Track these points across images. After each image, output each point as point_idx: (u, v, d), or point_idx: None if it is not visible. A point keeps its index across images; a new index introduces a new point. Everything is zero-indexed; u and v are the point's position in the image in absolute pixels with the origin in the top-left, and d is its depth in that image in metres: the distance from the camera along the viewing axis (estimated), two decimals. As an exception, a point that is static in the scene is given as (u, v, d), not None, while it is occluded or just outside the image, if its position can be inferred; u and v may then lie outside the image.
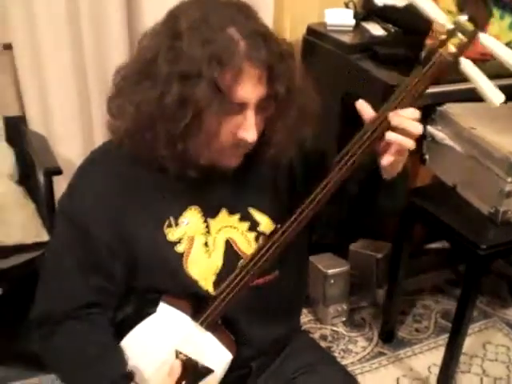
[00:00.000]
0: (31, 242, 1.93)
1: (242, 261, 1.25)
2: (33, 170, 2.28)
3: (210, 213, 1.24)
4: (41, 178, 2.20)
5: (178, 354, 1.20)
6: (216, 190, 1.24)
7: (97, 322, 1.23)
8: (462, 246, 1.94)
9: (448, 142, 2.05)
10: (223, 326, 1.25)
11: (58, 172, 1.94)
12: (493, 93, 1.13)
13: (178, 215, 1.22)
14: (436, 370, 2.18)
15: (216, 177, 1.21)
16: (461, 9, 1.10)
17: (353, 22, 2.40)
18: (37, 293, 1.27)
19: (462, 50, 1.09)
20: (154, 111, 1.07)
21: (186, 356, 1.20)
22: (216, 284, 1.24)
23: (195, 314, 1.21)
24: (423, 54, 1.10)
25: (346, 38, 2.33)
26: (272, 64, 1.08)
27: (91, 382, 1.18)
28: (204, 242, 1.24)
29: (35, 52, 2.18)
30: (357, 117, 2.34)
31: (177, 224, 1.22)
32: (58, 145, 2.31)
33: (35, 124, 2.27)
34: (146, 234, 1.20)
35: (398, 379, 2.23)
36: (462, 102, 2.07)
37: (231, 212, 1.26)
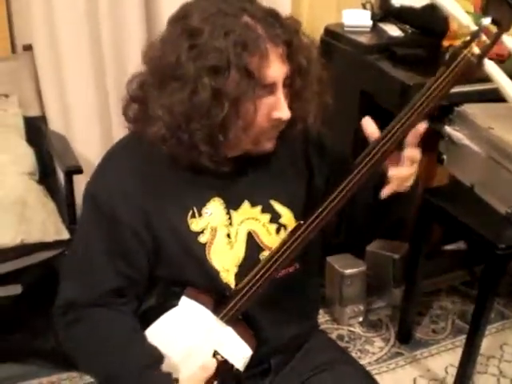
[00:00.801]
0: (52, 240, 1.95)
1: (264, 255, 1.26)
2: (53, 170, 2.31)
3: (232, 205, 1.25)
4: (61, 177, 2.23)
5: (215, 353, 1.20)
6: (238, 183, 1.25)
7: (123, 311, 1.24)
8: (479, 245, 1.94)
9: (466, 142, 2.05)
10: (243, 321, 1.25)
11: (79, 171, 1.96)
12: None
13: (201, 206, 1.23)
14: (453, 371, 2.17)
15: (238, 170, 1.23)
16: (485, 11, 1.11)
17: (370, 22, 2.41)
18: (62, 280, 1.28)
19: (485, 51, 1.10)
20: (188, 110, 1.09)
21: (223, 358, 1.20)
22: (238, 276, 1.25)
23: (217, 309, 1.21)
24: (447, 55, 1.12)
25: (364, 39, 2.35)
26: (290, 39, 1.12)
27: (119, 367, 1.18)
28: (226, 233, 1.25)
29: (55, 52, 2.21)
30: (375, 116, 2.34)
31: (200, 214, 1.22)
32: (78, 144, 2.34)
33: (55, 124, 2.31)
34: (169, 223, 1.21)
35: (415, 379, 2.22)
36: (480, 102, 2.08)
37: (253, 204, 1.27)
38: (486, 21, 1.10)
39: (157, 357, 1.19)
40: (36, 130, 2.26)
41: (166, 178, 1.20)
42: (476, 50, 1.09)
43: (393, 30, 2.38)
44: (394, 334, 2.44)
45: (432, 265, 2.58)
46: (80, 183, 2.15)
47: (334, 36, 2.42)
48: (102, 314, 1.22)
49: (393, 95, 2.11)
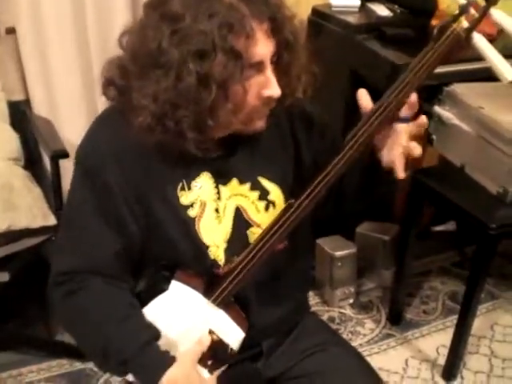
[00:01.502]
0: (38, 226, 1.92)
1: (252, 231, 1.26)
2: (38, 154, 2.28)
3: (221, 180, 1.25)
4: (47, 162, 2.19)
5: (211, 332, 1.20)
6: (227, 160, 1.24)
7: (122, 287, 1.22)
8: (471, 225, 1.94)
9: (456, 121, 2.03)
10: (235, 303, 1.24)
11: (65, 155, 1.93)
12: (505, 68, 1.13)
13: (190, 179, 1.22)
14: (444, 351, 2.19)
15: (227, 149, 1.22)
16: None
17: (358, 2, 2.39)
18: (57, 250, 1.27)
19: (474, 25, 1.10)
20: (174, 98, 1.07)
21: (220, 338, 1.20)
22: (227, 252, 1.24)
23: (208, 291, 1.21)
24: (436, 29, 1.11)
25: (352, 19, 2.32)
26: (274, 15, 1.10)
27: (118, 341, 1.16)
28: (215, 207, 1.24)
29: (39, 36, 2.17)
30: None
31: (189, 188, 1.21)
32: (63, 128, 2.30)
33: (40, 108, 2.27)
34: (159, 196, 1.19)
35: (406, 360, 2.23)
36: (469, 81, 2.06)
37: (241, 182, 1.27)
38: None
39: (155, 333, 1.18)
40: (20, 115, 2.23)
41: (156, 152, 1.17)
42: (465, 23, 1.09)
43: (381, 10, 2.35)
44: (384, 315, 2.44)
45: (422, 246, 2.58)
46: (66, 168, 2.13)
47: (321, 16, 2.40)
48: (101, 286, 1.20)
49: (382, 75, 2.10)
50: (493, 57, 1.13)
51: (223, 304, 1.20)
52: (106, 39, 2.23)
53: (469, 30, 1.10)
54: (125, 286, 1.23)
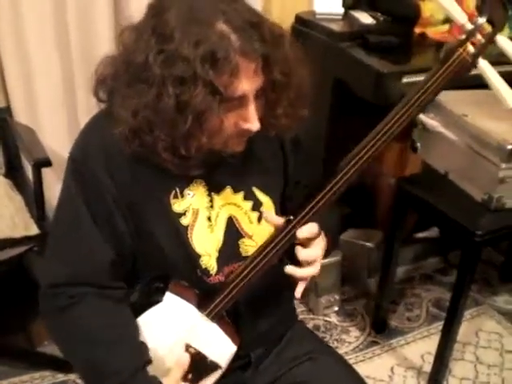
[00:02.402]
0: (20, 236, 1.88)
1: (243, 242, 1.26)
2: (18, 162, 2.24)
3: (214, 188, 1.24)
4: (28, 170, 2.16)
5: (187, 347, 1.18)
6: (220, 169, 1.23)
7: (117, 297, 1.20)
8: (456, 232, 1.94)
9: (440, 129, 2.04)
10: (226, 316, 1.23)
11: (48, 163, 1.89)
12: (508, 94, 1.15)
13: (183, 187, 1.20)
14: (429, 358, 2.19)
15: (218, 161, 1.20)
16: (480, 11, 1.13)
17: (342, 10, 2.39)
18: (48, 258, 1.23)
19: (480, 50, 1.12)
20: (152, 116, 1.05)
21: (196, 350, 1.18)
22: (219, 261, 1.23)
23: (201, 305, 1.19)
24: (442, 52, 1.12)
25: (336, 26, 2.32)
26: (267, 53, 1.06)
27: (109, 363, 1.14)
28: (207, 216, 1.23)
29: (20, 41, 2.12)
30: (348, 104, 2.34)
31: (182, 195, 1.20)
32: (44, 136, 2.25)
33: (20, 115, 2.22)
34: (152, 203, 1.18)
35: (392, 368, 2.23)
36: (453, 89, 2.08)
37: (235, 190, 1.26)
38: (481, 20, 1.12)
39: (147, 357, 1.16)
40: (0, 122, 2.18)
41: (149, 160, 1.15)
42: (471, 48, 1.11)
43: (364, 18, 2.35)
44: (369, 323, 2.44)
45: (405, 253, 2.59)
46: (48, 176, 2.10)
47: (305, 24, 2.39)
48: (95, 301, 1.18)
49: (367, 83, 2.10)
50: (497, 83, 1.15)
51: (216, 317, 1.19)
52: (88, 45, 2.19)
53: (475, 56, 1.12)
54: (118, 295, 1.21)
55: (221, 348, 1.21)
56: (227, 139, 1.13)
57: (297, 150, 1.36)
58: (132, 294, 1.23)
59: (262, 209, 1.28)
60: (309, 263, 1.19)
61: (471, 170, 1.95)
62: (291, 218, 1.15)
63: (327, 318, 2.45)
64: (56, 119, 2.29)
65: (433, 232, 2.93)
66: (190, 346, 1.18)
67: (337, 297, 2.47)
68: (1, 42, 2.11)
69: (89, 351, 1.16)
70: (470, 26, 1.12)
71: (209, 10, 1.04)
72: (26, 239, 1.89)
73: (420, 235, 2.90)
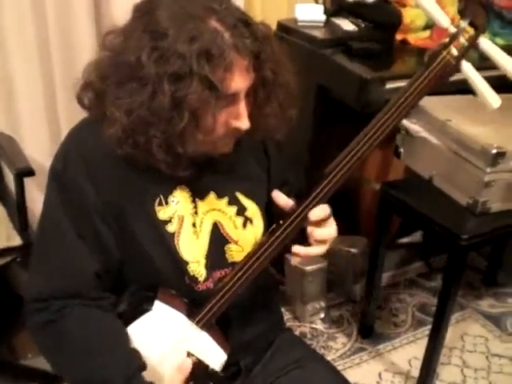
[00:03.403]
0: (3, 247, 1.85)
1: (229, 247, 1.25)
2: (0, 172, 2.20)
3: (197, 194, 1.23)
4: (10, 180, 2.12)
5: (189, 354, 1.17)
6: (203, 175, 1.22)
7: (104, 307, 1.18)
8: (442, 237, 1.94)
9: (424, 134, 2.06)
10: (216, 325, 1.22)
11: (31, 173, 1.86)
12: (491, 96, 1.17)
13: (167, 194, 1.19)
14: (416, 363, 2.19)
15: (204, 164, 1.20)
16: (463, 14, 1.15)
17: (323, 17, 2.39)
18: (32, 271, 1.21)
19: (463, 53, 1.13)
20: (147, 115, 1.04)
21: (198, 359, 1.17)
22: (207, 268, 1.22)
23: (190, 313, 1.18)
24: (426, 56, 1.13)
25: (318, 33, 2.32)
26: (258, 51, 1.07)
27: (102, 374, 1.12)
28: (192, 222, 1.22)
29: (0, 50, 2.10)
30: (331, 110, 2.34)
31: (167, 202, 1.19)
32: (25, 145, 2.22)
33: (0, 124, 2.18)
34: (136, 211, 1.16)
35: (380, 374, 2.23)
36: (436, 95, 2.09)
37: (219, 196, 1.25)
38: (464, 23, 1.13)
39: (140, 364, 1.14)
40: (-21, 131, 2.15)
41: (131, 167, 1.14)
42: (454, 51, 1.12)
43: (346, 25, 2.36)
44: (355, 329, 2.44)
45: (389, 258, 2.59)
46: (29, 186, 2.07)
47: (287, 31, 2.39)
48: (82, 313, 1.16)
49: (350, 89, 2.10)
50: (480, 85, 1.16)
51: (206, 326, 1.18)
52: (69, 54, 2.17)
53: (458, 58, 1.13)
54: (105, 305, 1.19)
55: (211, 356, 1.19)
56: (216, 139, 1.13)
57: (280, 152, 1.37)
58: (120, 304, 1.21)
59: (247, 213, 1.28)
60: (321, 243, 1.17)
61: (456, 174, 1.97)
62: (280, 222, 1.14)
63: (313, 325, 2.44)
64: (37, 128, 2.26)
65: (415, 237, 2.94)
66: (192, 355, 1.17)
67: (323, 304, 2.47)
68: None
69: (80, 362, 1.14)
70: (453, 30, 1.13)
71: (200, 8, 1.04)
72: (9, 250, 1.86)
73: (403, 240, 2.91)
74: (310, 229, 1.15)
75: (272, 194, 1.16)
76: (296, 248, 1.15)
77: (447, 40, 1.12)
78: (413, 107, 1.14)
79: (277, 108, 1.17)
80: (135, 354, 1.15)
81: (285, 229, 1.14)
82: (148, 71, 1.02)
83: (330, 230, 1.18)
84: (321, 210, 1.14)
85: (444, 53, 1.11)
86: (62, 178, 1.16)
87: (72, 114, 2.19)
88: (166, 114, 1.04)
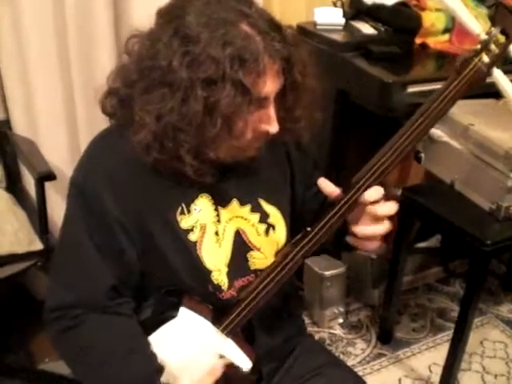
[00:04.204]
0: (24, 252, 1.85)
1: (252, 255, 1.25)
2: (17, 176, 2.20)
3: (220, 202, 1.22)
4: (28, 184, 2.12)
5: (220, 356, 1.16)
6: (226, 182, 1.21)
7: (122, 313, 1.17)
8: (465, 242, 1.92)
9: (446, 139, 2.04)
10: (241, 333, 1.21)
11: (52, 177, 1.85)
12: None
13: (189, 202, 1.18)
14: (437, 369, 2.18)
15: (227, 170, 1.19)
16: (494, 21, 1.14)
17: (343, 20, 2.37)
18: (52, 281, 1.21)
19: (495, 60, 1.13)
20: (178, 120, 1.04)
21: (229, 361, 1.16)
22: (229, 276, 1.21)
23: (216, 320, 1.17)
24: (458, 63, 1.12)
25: (337, 37, 2.31)
26: (288, 54, 1.07)
27: (120, 376, 1.12)
28: (215, 231, 1.21)
29: (20, 54, 2.09)
30: (351, 114, 2.32)
31: (189, 211, 1.18)
32: (43, 149, 2.22)
33: (19, 128, 2.18)
34: (159, 221, 1.15)
35: (400, 380, 2.21)
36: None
37: (242, 203, 1.24)
38: (495, 31, 1.12)
39: (157, 367, 1.13)
40: (0, 135, 2.15)
41: (153, 176, 1.14)
42: (486, 58, 1.11)
43: (365, 28, 2.35)
44: (374, 334, 2.43)
45: (407, 263, 2.57)
46: (49, 190, 2.06)
47: (306, 34, 2.38)
48: (100, 319, 1.16)
49: (371, 93, 2.09)
50: (510, 91, 1.18)
51: (231, 334, 1.17)
52: (89, 58, 2.16)
53: (489, 65, 1.12)
54: (124, 310, 1.19)
55: (237, 364, 1.18)
56: (245, 144, 1.12)
57: (304, 156, 1.36)
58: (143, 311, 1.21)
59: (269, 220, 1.27)
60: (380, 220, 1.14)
61: (478, 179, 1.95)
62: (308, 229, 1.12)
63: (332, 331, 2.43)
64: (55, 132, 2.25)
65: (432, 242, 2.92)
66: (223, 357, 1.16)
67: (341, 309, 2.45)
68: (1, 55, 2.08)
69: (99, 368, 1.14)
70: (484, 37, 1.13)
71: (231, 13, 1.04)
72: (30, 255, 1.85)
73: (421, 245, 2.89)
74: (369, 208, 1.11)
75: (318, 181, 1.14)
76: (361, 228, 1.12)
77: (479, 47, 1.12)
78: (445, 113, 1.13)
79: (305, 111, 1.17)
80: (151, 357, 1.14)
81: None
82: (180, 76, 1.02)
83: (391, 206, 1.14)
84: (375, 192, 1.11)
85: (476, 60, 1.10)
86: (83, 189, 1.15)
87: (90, 118, 2.20)
88: (198, 119, 1.03)
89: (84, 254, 1.15)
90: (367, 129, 2.29)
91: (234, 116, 1.04)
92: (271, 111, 1.10)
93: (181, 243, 1.17)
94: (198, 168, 1.09)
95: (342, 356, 2.29)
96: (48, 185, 1.94)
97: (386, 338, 2.38)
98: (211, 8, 1.04)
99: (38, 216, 1.91)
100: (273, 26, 1.06)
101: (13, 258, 1.83)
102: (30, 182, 2.13)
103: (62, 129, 2.26)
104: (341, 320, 2.46)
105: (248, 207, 1.25)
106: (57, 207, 2.14)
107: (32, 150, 2.04)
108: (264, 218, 1.26)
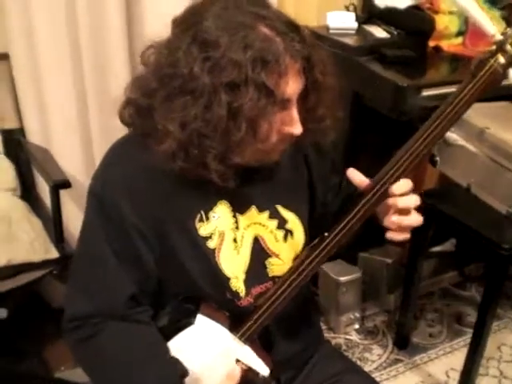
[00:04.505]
0: (40, 260, 1.84)
1: (270, 261, 1.24)
2: (31, 184, 2.20)
3: (239, 209, 1.21)
4: (43, 192, 2.12)
5: (238, 361, 1.16)
6: (244, 188, 1.20)
7: (140, 320, 1.17)
8: (482, 246, 1.91)
9: (461, 142, 2.02)
10: (258, 340, 1.21)
11: (67, 185, 1.85)
12: None
13: (208, 209, 1.18)
14: (454, 375, 2.16)
15: (244, 177, 1.18)
16: (509, 22, 1.13)
17: (355, 24, 2.37)
18: (70, 290, 1.21)
19: (511, 61, 1.11)
20: (201, 127, 1.03)
21: (248, 365, 1.16)
22: (246, 283, 1.21)
23: (233, 327, 1.17)
24: (473, 64, 1.11)
25: (350, 41, 2.30)
26: (308, 54, 1.07)
27: (144, 382, 1.12)
28: (233, 237, 1.20)
29: (33, 62, 2.10)
30: (366, 118, 2.31)
31: (207, 218, 1.17)
32: (57, 157, 2.22)
33: (33, 136, 2.19)
34: (177, 228, 1.15)
35: (417, 385, 2.20)
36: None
37: (260, 210, 1.24)
38: (511, 31, 1.11)
39: (181, 371, 1.13)
40: (14, 143, 2.15)
41: (171, 183, 1.13)
42: (501, 59, 1.10)
43: (378, 32, 2.34)
44: (391, 340, 2.41)
45: (424, 267, 2.56)
46: (63, 198, 2.06)
47: (319, 38, 2.37)
48: (119, 326, 1.15)
49: (385, 97, 2.08)
50: None
51: (248, 341, 1.17)
52: (102, 66, 2.17)
53: (506, 66, 1.11)
54: (143, 318, 1.18)
55: (256, 369, 1.19)
56: (269, 147, 1.12)
57: (322, 158, 1.35)
58: (160, 318, 1.21)
59: (287, 226, 1.26)
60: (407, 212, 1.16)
61: (495, 182, 1.93)
62: (326, 234, 1.13)
63: (348, 337, 2.42)
64: (69, 140, 2.25)
65: (447, 246, 2.90)
66: (240, 361, 1.16)
67: (357, 314, 2.44)
68: (14, 62, 2.09)
69: (122, 375, 1.13)
70: (499, 37, 1.11)
71: (248, 16, 1.03)
72: (46, 263, 1.85)
73: (435, 249, 2.87)
74: (392, 199, 1.12)
75: (347, 172, 1.14)
76: (395, 217, 1.13)
77: (494, 48, 1.10)
78: (461, 116, 1.12)
79: (327, 110, 1.16)
80: (175, 363, 1.14)
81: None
82: (202, 82, 1.01)
83: (416, 198, 1.16)
84: (404, 184, 1.12)
85: (491, 61, 1.09)
86: (101, 197, 1.15)
87: (103, 126, 2.20)
88: (223, 124, 1.02)
89: (103, 263, 1.15)
90: (380, 132, 2.28)
91: (258, 119, 1.04)
92: (294, 113, 1.09)
93: (199, 250, 1.17)
94: (224, 173, 1.08)
95: (358, 362, 2.27)
96: (62, 192, 1.94)
97: (403, 344, 2.37)
98: (228, 12, 1.04)
99: (53, 224, 1.91)
100: (291, 27, 1.05)
101: (29, 267, 1.83)
102: (44, 190, 2.13)
103: (75, 137, 2.27)
104: (357, 326, 2.45)
105: (266, 213, 1.24)
106: (71, 215, 2.15)
107: (46, 158, 2.04)
108: (282, 223, 1.26)
